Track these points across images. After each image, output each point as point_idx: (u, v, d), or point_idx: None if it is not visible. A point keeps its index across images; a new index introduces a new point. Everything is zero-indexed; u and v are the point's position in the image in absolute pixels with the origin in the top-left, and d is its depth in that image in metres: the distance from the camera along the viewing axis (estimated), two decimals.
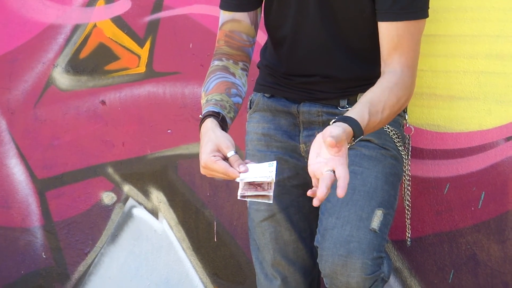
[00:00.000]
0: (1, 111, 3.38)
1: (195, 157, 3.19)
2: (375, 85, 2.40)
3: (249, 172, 2.25)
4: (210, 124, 2.35)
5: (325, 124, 2.32)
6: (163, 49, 3.18)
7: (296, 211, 2.66)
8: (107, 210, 3.33)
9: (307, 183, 2.60)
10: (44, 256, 3.41)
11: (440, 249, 2.88)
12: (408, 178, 2.71)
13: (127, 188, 3.29)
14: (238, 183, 2.26)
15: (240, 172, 2.25)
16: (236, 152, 2.29)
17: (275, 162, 2.27)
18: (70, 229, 3.37)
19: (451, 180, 2.84)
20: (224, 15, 2.59)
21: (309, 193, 2.16)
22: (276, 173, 2.23)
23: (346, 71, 2.56)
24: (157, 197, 3.27)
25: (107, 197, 3.32)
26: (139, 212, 3.30)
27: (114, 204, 3.32)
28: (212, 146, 2.30)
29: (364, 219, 2.44)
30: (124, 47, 3.22)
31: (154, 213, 3.29)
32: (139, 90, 3.23)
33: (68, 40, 3.28)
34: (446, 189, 2.85)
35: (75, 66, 3.28)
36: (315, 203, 2.13)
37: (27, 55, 3.32)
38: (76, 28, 3.26)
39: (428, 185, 2.86)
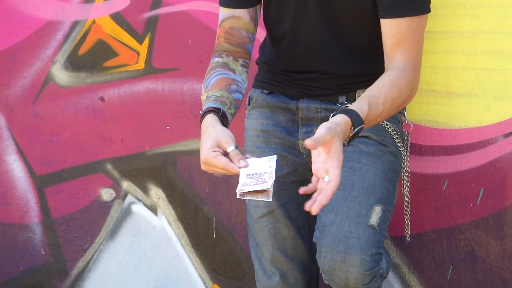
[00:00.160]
0: (0, 107, 3.38)
1: (194, 153, 3.19)
2: (377, 80, 2.41)
3: (249, 167, 2.25)
4: (211, 120, 2.35)
5: (324, 120, 2.32)
6: (162, 45, 3.18)
7: (295, 207, 2.66)
8: (106, 207, 3.33)
9: (306, 179, 2.60)
10: (43, 253, 3.41)
11: (439, 245, 2.88)
12: (407, 174, 2.71)
13: (126, 184, 3.29)
14: (237, 179, 2.26)
15: (240, 167, 2.25)
16: (236, 147, 2.28)
17: (275, 156, 2.27)
18: (69, 225, 3.37)
19: (450, 176, 2.84)
20: (224, 12, 2.59)
21: (301, 190, 2.16)
22: (276, 168, 2.23)
23: (345, 67, 2.56)
24: (156, 194, 3.27)
25: (106, 194, 3.32)
26: (138, 209, 3.30)
27: (113, 200, 3.32)
28: (212, 142, 2.30)
29: (362, 215, 2.44)
30: (123, 43, 3.22)
31: (153, 209, 3.29)
32: (138, 86, 3.23)
33: (67, 37, 3.28)
34: (445, 185, 2.85)
35: (74, 63, 3.28)
36: (311, 209, 2.12)
37: (26, 52, 3.32)
38: (75, 24, 3.26)
39: (427, 182, 2.87)
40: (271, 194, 2.21)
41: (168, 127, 3.22)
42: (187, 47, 3.15)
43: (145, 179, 3.27)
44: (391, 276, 2.95)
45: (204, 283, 3.25)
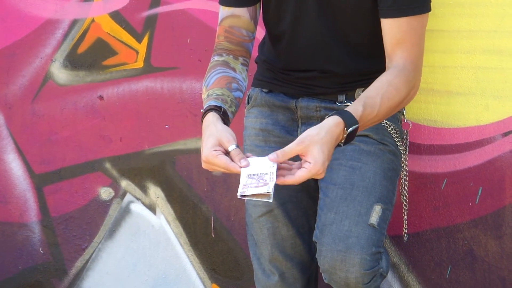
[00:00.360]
0: None
1: (193, 152, 3.19)
2: (376, 79, 2.41)
3: (250, 166, 2.25)
4: (212, 118, 2.35)
5: (323, 119, 2.32)
6: (161, 44, 3.18)
7: (294, 207, 2.66)
8: (105, 205, 3.33)
9: None
10: (41, 252, 3.41)
11: (438, 245, 2.89)
12: (405, 173, 2.71)
13: (124, 183, 3.29)
14: (237, 178, 2.26)
15: (241, 167, 2.25)
16: (237, 146, 2.28)
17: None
18: (68, 224, 3.37)
19: (448, 175, 2.84)
20: (224, 11, 2.59)
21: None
22: (277, 169, 2.23)
23: (344, 66, 2.56)
24: (155, 192, 3.27)
25: (105, 192, 3.32)
26: (137, 208, 3.30)
27: (111, 199, 3.32)
28: (213, 141, 2.29)
29: (362, 214, 2.44)
30: (122, 42, 3.22)
31: (151, 208, 3.29)
32: (137, 85, 3.23)
33: (66, 35, 3.27)
34: (444, 184, 2.86)
35: (73, 61, 3.28)
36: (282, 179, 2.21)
37: (25, 50, 3.32)
38: (74, 23, 3.26)
39: (425, 181, 2.87)
40: (272, 196, 2.20)
41: (167, 126, 3.21)
42: (186, 45, 3.15)
43: (144, 178, 3.27)
44: (389, 276, 2.95)
45: (203, 282, 3.25)
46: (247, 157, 2.27)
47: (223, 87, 2.46)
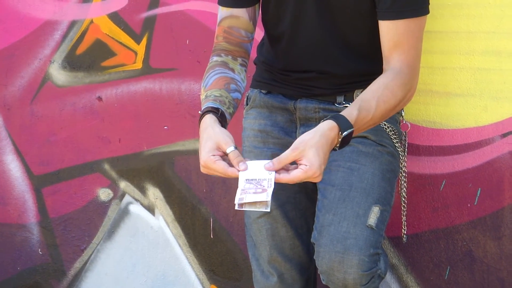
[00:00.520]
0: None
1: (192, 153, 3.19)
2: (372, 82, 2.41)
3: (248, 170, 2.25)
4: (209, 120, 2.35)
5: (322, 120, 2.33)
6: (160, 45, 3.18)
7: (292, 208, 2.66)
8: (104, 207, 3.33)
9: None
10: (40, 253, 3.41)
11: (436, 246, 2.88)
12: (404, 174, 2.71)
13: (123, 184, 3.29)
14: (236, 180, 2.26)
15: (239, 171, 2.25)
16: (236, 148, 2.28)
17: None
18: (67, 225, 3.37)
19: (447, 176, 2.84)
20: (223, 11, 2.59)
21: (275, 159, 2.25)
22: (275, 175, 2.24)
23: (343, 67, 2.56)
24: (154, 194, 3.27)
25: (104, 194, 3.32)
26: (136, 209, 3.30)
27: (110, 200, 3.32)
28: (211, 144, 2.29)
29: (361, 215, 2.44)
30: (120, 43, 3.22)
31: (150, 209, 3.28)
32: (135, 86, 3.23)
33: (64, 36, 3.27)
34: (442, 185, 2.86)
35: (72, 62, 3.28)
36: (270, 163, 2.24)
37: (23, 51, 3.31)
38: (72, 24, 3.26)
39: (424, 182, 2.87)
40: (269, 204, 2.20)
41: (165, 127, 3.21)
42: (185, 47, 3.15)
43: (143, 179, 3.27)
44: (388, 277, 2.95)
45: (202, 284, 3.25)
46: (246, 161, 2.28)
47: (221, 88, 2.46)
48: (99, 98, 3.27)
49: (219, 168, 2.26)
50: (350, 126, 2.29)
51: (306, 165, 2.22)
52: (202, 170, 2.31)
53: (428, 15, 2.48)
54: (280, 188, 2.63)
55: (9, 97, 3.36)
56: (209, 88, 2.48)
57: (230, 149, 2.27)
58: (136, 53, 3.21)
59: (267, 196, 2.18)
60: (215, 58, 2.56)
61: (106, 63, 3.25)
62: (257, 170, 2.24)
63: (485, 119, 2.78)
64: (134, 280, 3.33)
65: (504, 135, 2.77)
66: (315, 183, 2.61)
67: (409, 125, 2.70)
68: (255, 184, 2.21)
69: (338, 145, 2.29)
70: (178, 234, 3.26)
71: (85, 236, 3.36)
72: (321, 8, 2.51)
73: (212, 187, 3.18)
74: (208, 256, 3.23)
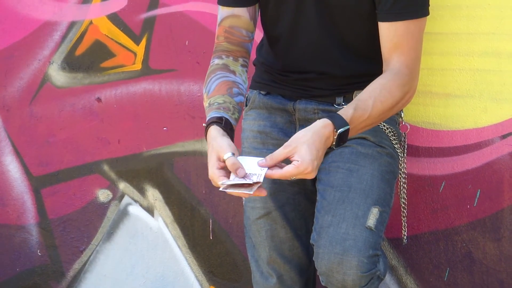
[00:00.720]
0: None
1: (191, 154, 3.19)
2: (371, 82, 2.41)
3: (242, 165, 2.27)
4: (213, 133, 2.36)
5: None
6: (159, 46, 3.18)
7: (292, 209, 2.66)
8: (103, 208, 3.32)
9: (304, 181, 2.61)
10: (39, 254, 3.41)
11: (436, 247, 2.88)
12: (403, 176, 2.71)
13: (122, 185, 3.29)
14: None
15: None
16: (233, 154, 2.28)
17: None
18: (66, 226, 3.37)
19: (446, 178, 2.84)
20: (223, 11, 2.58)
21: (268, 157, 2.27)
22: (266, 172, 2.26)
23: (342, 68, 2.56)
24: (153, 195, 3.27)
25: (103, 195, 3.32)
26: (135, 210, 3.30)
27: (109, 201, 3.32)
28: (214, 157, 2.32)
29: (360, 217, 2.44)
30: (120, 44, 3.22)
31: (149, 210, 3.28)
32: (135, 87, 3.23)
33: (64, 37, 3.27)
34: (442, 187, 2.85)
35: (71, 63, 3.28)
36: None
37: (23, 52, 3.31)
38: (72, 25, 3.26)
39: (423, 183, 2.87)
40: (254, 188, 2.22)
41: (165, 128, 3.21)
42: (184, 48, 3.14)
43: (142, 180, 3.27)
44: (387, 278, 2.95)
45: (201, 285, 3.25)
46: (240, 155, 2.30)
47: (224, 94, 2.46)
48: (99, 99, 3.27)
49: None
50: (345, 123, 2.29)
51: (298, 161, 2.24)
52: (212, 182, 2.33)
53: (428, 16, 2.48)
54: (279, 190, 2.63)
55: (8, 98, 3.36)
56: (211, 94, 2.47)
57: (226, 155, 2.28)
58: (135, 54, 3.21)
59: (252, 185, 2.21)
60: (216, 61, 2.56)
61: (105, 64, 3.25)
62: (251, 166, 2.27)
63: (485, 121, 2.78)
64: (133, 281, 3.33)
65: (504, 137, 2.77)
66: (314, 185, 2.61)
67: (409, 126, 2.70)
68: (245, 177, 2.24)
69: (334, 143, 2.29)
70: (177, 235, 3.25)
71: (84, 237, 3.35)
72: (321, 9, 2.51)
73: (211, 189, 3.18)
74: (207, 257, 3.23)
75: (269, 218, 2.65)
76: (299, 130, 2.62)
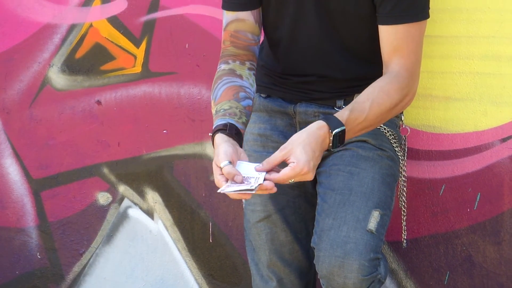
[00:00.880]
0: None
1: (191, 157, 3.19)
2: (369, 85, 2.41)
3: (240, 170, 2.27)
4: (217, 141, 2.36)
5: None
6: (159, 49, 3.17)
7: (292, 212, 2.66)
8: (103, 211, 3.32)
9: (304, 184, 2.61)
10: (39, 257, 3.41)
11: (436, 251, 2.88)
12: (404, 179, 2.71)
13: (122, 188, 3.29)
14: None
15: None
16: (229, 162, 2.29)
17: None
18: (65, 229, 3.37)
19: (446, 181, 2.84)
20: (228, 16, 2.58)
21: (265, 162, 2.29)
22: (264, 176, 2.26)
23: (342, 71, 2.56)
24: (153, 198, 3.27)
25: (103, 198, 3.32)
26: (135, 213, 3.30)
27: (109, 204, 3.31)
28: (215, 165, 2.33)
29: (361, 220, 2.44)
30: (120, 47, 3.22)
31: (149, 213, 3.28)
32: (135, 90, 3.23)
33: (64, 40, 3.27)
34: (442, 190, 2.85)
35: (71, 66, 3.28)
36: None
37: (22, 55, 3.31)
38: (72, 28, 3.26)
39: (423, 186, 2.86)
40: (255, 185, 2.23)
41: (164, 131, 3.21)
42: (184, 51, 3.14)
43: (142, 183, 3.27)
44: (388, 281, 2.94)
45: None
46: (239, 160, 2.30)
47: (230, 99, 2.45)
48: (98, 102, 3.27)
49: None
50: (341, 124, 2.30)
51: (293, 162, 2.25)
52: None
53: (428, 19, 2.48)
54: (280, 193, 2.63)
55: (8, 100, 3.36)
56: (218, 101, 2.47)
57: (223, 164, 2.29)
58: (135, 57, 3.21)
59: (249, 187, 2.22)
60: (222, 67, 2.55)
61: (105, 67, 3.25)
62: (249, 171, 2.28)
63: (485, 124, 2.78)
64: (132, 284, 3.32)
65: (504, 140, 2.77)
66: (315, 188, 2.61)
67: (409, 130, 2.70)
68: (243, 180, 2.25)
69: (331, 144, 2.30)
70: (177, 238, 3.25)
71: (83, 240, 3.35)
72: (321, 12, 2.51)
73: (211, 192, 3.18)
74: (207, 260, 3.23)
75: (269, 221, 2.65)
76: None
